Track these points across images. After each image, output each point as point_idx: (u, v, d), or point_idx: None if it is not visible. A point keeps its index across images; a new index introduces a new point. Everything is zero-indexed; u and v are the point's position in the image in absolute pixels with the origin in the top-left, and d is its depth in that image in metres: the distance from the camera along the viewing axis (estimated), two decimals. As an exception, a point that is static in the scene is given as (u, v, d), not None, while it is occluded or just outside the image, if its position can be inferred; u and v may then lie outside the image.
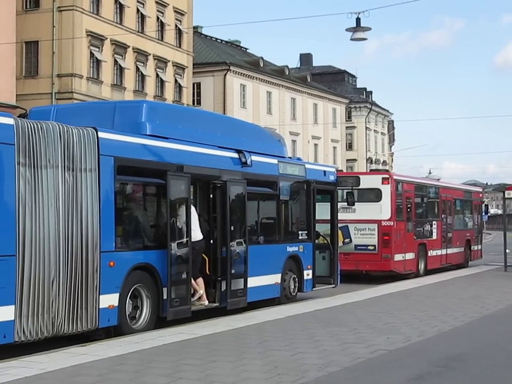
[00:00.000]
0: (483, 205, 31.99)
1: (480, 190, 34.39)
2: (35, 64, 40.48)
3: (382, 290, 18.70)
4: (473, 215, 30.74)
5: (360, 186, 22.17)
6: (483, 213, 32.35)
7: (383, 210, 22.31)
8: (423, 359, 9.56)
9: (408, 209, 23.90)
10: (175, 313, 12.53)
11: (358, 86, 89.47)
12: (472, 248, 30.06)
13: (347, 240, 22.32)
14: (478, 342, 11.07)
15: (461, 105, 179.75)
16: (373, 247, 22.32)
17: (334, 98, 73.38)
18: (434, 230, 25.74)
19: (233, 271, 13.95)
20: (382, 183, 22.45)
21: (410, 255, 23.50)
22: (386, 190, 22.36)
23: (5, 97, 33.51)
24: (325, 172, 18.58)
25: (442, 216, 26.72)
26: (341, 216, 20.20)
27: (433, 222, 25.75)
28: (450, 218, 27.60)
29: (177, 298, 12.54)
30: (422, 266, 24.50)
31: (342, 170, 24.42)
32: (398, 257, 22.68)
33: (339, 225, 19.87)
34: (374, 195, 22.53)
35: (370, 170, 23.75)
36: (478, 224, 31.60)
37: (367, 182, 22.66)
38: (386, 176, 23.01)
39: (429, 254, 25.07)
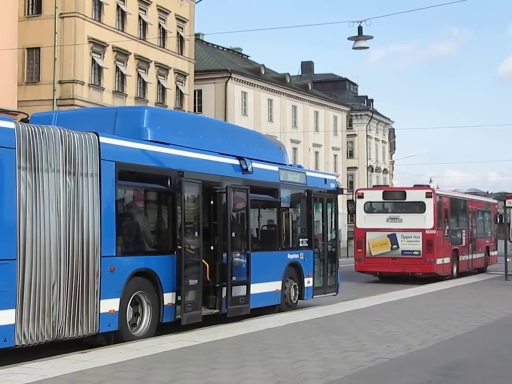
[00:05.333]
0: (498, 215, 34.50)
1: (496, 201, 36.45)
2: (37, 71, 40.50)
3: (382, 298, 18.67)
4: (491, 224, 33.75)
5: (406, 200, 25.70)
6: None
7: (426, 220, 25.29)
8: (424, 367, 9.53)
9: (446, 220, 26.88)
10: (188, 318, 12.62)
11: (359, 94, 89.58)
12: (490, 254, 32.86)
13: (395, 246, 25.49)
14: (479, 351, 11.04)
15: (463, 114, 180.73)
16: (418, 252, 25.29)
17: (335, 106, 73.42)
18: (464, 238, 28.82)
19: (234, 278, 13.87)
20: (426, 196, 25.46)
21: (447, 260, 26.49)
22: (429, 203, 25.36)
23: (6, 103, 33.52)
24: (326, 179, 18.59)
25: (469, 225, 29.84)
26: (390, 225, 25.38)
27: (463, 230, 28.87)
28: (475, 227, 30.75)
29: (190, 303, 12.63)
30: (455, 270, 27.36)
31: (387, 186, 27.92)
32: (439, 261, 25.62)
33: (388, 233, 25.10)
34: (418, 207, 25.52)
35: (414, 185, 28.34)
36: (495, 232, 34.59)
37: (413, 195, 25.83)
38: (430, 191, 26.04)
39: (460, 259, 28.02)
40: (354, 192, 28.96)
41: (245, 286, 14.20)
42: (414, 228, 25.27)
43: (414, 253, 25.32)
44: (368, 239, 25.87)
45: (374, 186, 27.82)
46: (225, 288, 13.75)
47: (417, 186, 27.56)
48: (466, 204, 29.96)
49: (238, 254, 14.10)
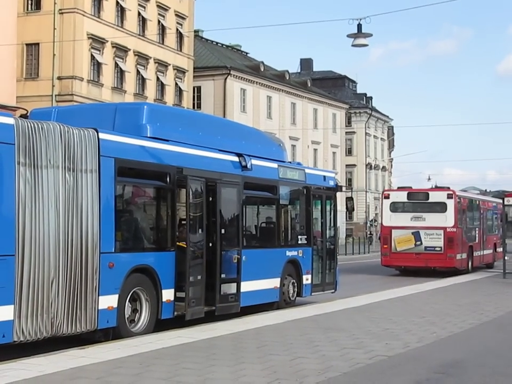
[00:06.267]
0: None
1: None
2: (36, 66, 40.48)
3: (381, 296, 18.67)
4: (498, 222, 35.57)
5: (429, 200, 28.23)
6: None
7: (447, 219, 27.81)
8: (422, 365, 9.53)
9: (463, 218, 29.48)
10: (192, 313, 12.74)
11: (358, 92, 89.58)
12: (497, 250, 34.73)
13: (418, 242, 28.08)
14: (477, 349, 11.04)
15: (463, 112, 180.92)
16: (439, 248, 27.83)
17: (334, 103, 73.44)
18: (477, 235, 31.45)
19: (223, 276, 13.70)
20: (447, 197, 28.02)
21: (464, 255, 29.09)
22: (450, 204, 27.90)
23: (5, 99, 33.46)
24: (324, 177, 18.59)
25: (481, 223, 32.46)
26: (414, 223, 27.95)
27: (476, 229, 31.49)
28: (485, 225, 33.33)
29: (194, 298, 12.77)
30: (470, 264, 29.82)
31: (411, 187, 30.92)
32: (458, 256, 28.23)
33: (412, 231, 27.75)
34: (440, 207, 27.99)
35: (436, 187, 33.36)
36: (501, 229, 36.42)
37: (435, 197, 28.40)
38: (451, 192, 28.54)
39: (474, 254, 30.61)
40: (381, 193, 31.72)
41: (235, 284, 14.07)
42: (436, 226, 27.75)
43: (436, 248, 27.84)
44: (393, 236, 28.42)
45: (398, 187, 31.03)
46: (214, 286, 13.57)
47: (438, 188, 30.56)
48: (479, 204, 32.62)
49: (229, 251, 13.98)
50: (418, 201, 28.40)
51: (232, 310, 14.14)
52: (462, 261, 28.77)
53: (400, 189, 31.23)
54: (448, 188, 30.32)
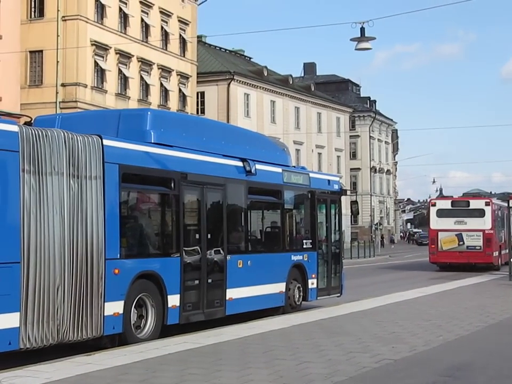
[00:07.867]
0: None
1: None
2: (39, 73, 40.53)
3: (387, 299, 18.64)
4: None
5: (470, 207, 33.56)
6: None
7: (486, 223, 33.13)
8: (429, 368, 9.51)
9: (496, 222, 34.44)
10: (187, 317, 12.78)
11: (362, 95, 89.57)
12: None
13: (461, 242, 33.20)
14: (484, 352, 11.02)
15: (467, 115, 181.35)
16: (479, 247, 33.07)
17: (337, 107, 73.41)
18: (503, 236, 35.60)
19: (209, 281, 13.49)
20: (485, 205, 33.64)
21: (497, 253, 34.19)
22: (488, 210, 33.36)
23: (10, 106, 33.55)
24: (329, 181, 18.58)
25: (506, 225, 34.56)
26: (457, 227, 33.25)
27: (503, 230, 35.79)
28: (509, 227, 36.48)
29: (189, 303, 12.81)
30: (500, 261, 34.64)
31: (452, 196, 36.87)
32: (494, 254, 33.48)
33: (456, 233, 33.08)
34: (479, 213, 33.29)
35: (473, 195, 39.03)
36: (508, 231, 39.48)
37: (475, 204, 34.04)
38: (488, 200, 34.76)
39: (502, 253, 35.15)
40: (428, 202, 36.93)
41: (221, 289, 13.84)
42: (476, 228, 32.94)
43: (476, 247, 32.99)
44: (439, 238, 33.53)
45: (442, 196, 37.81)
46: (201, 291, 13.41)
47: (477, 196, 35.47)
48: (503, 209, 36.25)
49: (214, 256, 13.70)
50: (460, 208, 33.50)
51: (217, 315, 13.83)
52: (496, 257, 33.66)
53: (443, 197, 35.39)
54: (485, 196, 34.32)
